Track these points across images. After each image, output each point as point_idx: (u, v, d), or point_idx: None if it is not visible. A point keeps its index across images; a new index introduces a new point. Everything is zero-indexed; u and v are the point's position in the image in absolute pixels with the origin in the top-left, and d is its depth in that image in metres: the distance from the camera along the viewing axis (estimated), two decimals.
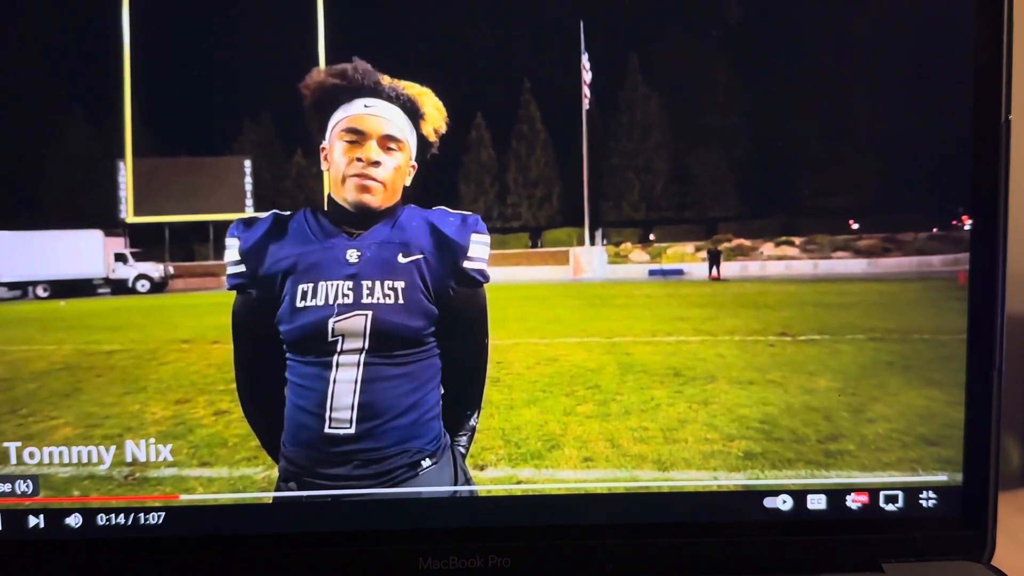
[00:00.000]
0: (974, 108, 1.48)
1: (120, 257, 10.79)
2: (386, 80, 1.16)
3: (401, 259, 1.11)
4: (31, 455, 1.55)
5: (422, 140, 1.20)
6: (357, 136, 1.10)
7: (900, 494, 1.52)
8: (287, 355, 1.16)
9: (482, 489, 1.23)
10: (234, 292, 1.19)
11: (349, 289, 1.08)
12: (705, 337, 5.36)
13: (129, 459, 1.66)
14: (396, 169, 1.13)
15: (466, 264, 1.17)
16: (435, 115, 1.20)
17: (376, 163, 1.09)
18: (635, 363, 4.41)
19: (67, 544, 1.42)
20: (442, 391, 1.24)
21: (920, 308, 7.72)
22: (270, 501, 1.84)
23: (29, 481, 1.52)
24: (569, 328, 6.43)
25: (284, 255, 1.09)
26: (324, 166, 1.20)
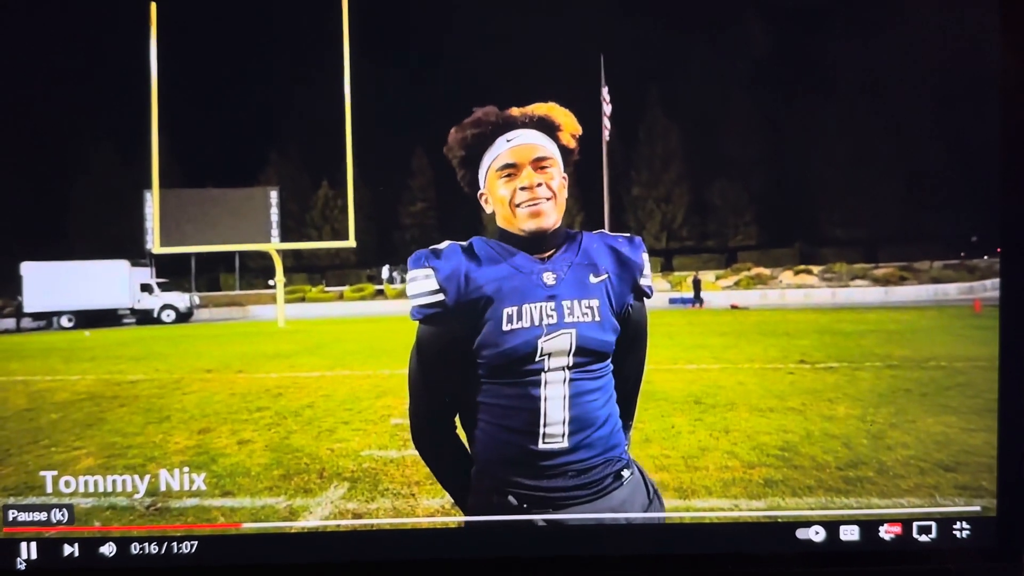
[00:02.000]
0: (1001, 139, 1.48)
1: (146, 287, 11.02)
2: (515, 111, 1.21)
3: (592, 279, 1.13)
4: (67, 484, 1.58)
5: (564, 150, 1.23)
6: (512, 169, 1.13)
7: (933, 525, 1.49)
8: (483, 379, 1.15)
9: (498, 519, 1.24)
10: (419, 323, 1.18)
11: (552, 310, 1.09)
12: (725, 365, 5.38)
13: (156, 489, 1.69)
14: (559, 187, 1.17)
15: (642, 281, 1.21)
16: (568, 121, 1.23)
17: (539, 185, 1.13)
18: (656, 391, 4.41)
19: (101, 573, 1.44)
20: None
21: (936, 336, 7.59)
22: (296, 531, 1.86)
23: (64, 510, 1.53)
24: None
25: (484, 281, 1.11)
26: (487, 208, 1.22)
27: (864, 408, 3.60)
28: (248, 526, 2.08)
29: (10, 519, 1.47)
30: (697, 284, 18.64)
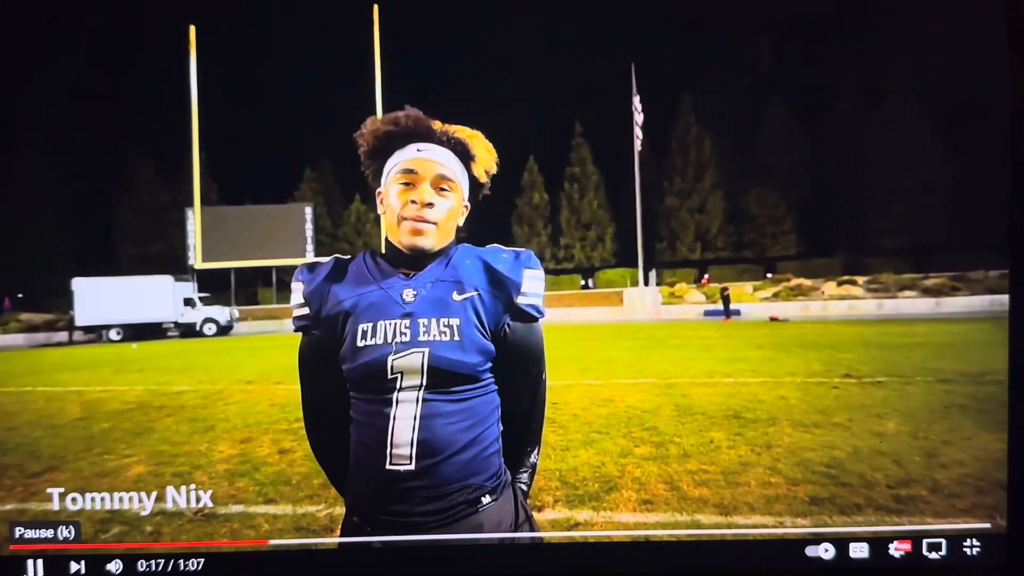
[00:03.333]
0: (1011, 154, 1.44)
1: (189, 302, 11.62)
2: (437, 125, 1.19)
3: (455, 297, 1.10)
4: (73, 500, 1.59)
5: (473, 181, 1.21)
6: (411, 177, 1.12)
7: (943, 542, 1.44)
8: (351, 393, 1.17)
9: (536, 535, 1.21)
10: (300, 334, 1.22)
11: (406, 328, 1.07)
12: (765, 379, 5.27)
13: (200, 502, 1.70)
14: (449, 211, 1.13)
15: (520, 300, 1.15)
16: (485, 156, 1.20)
17: (430, 204, 1.10)
18: (693, 405, 4.34)
19: None
20: (501, 427, 1.24)
21: (992, 349, 7.36)
22: (306, 548, 1.85)
23: (71, 527, 1.54)
24: (624, 369, 6.38)
25: (344, 296, 1.11)
26: (380, 210, 1.22)
27: (915, 424, 3.48)
28: (274, 543, 2.07)
29: (16, 536, 1.49)
30: (726, 298, 18.18)
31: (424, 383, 1.08)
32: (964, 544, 1.46)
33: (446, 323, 1.09)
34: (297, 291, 1.17)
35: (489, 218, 1.44)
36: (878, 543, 1.46)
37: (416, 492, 1.09)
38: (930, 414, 3.72)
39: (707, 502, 2.56)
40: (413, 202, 1.10)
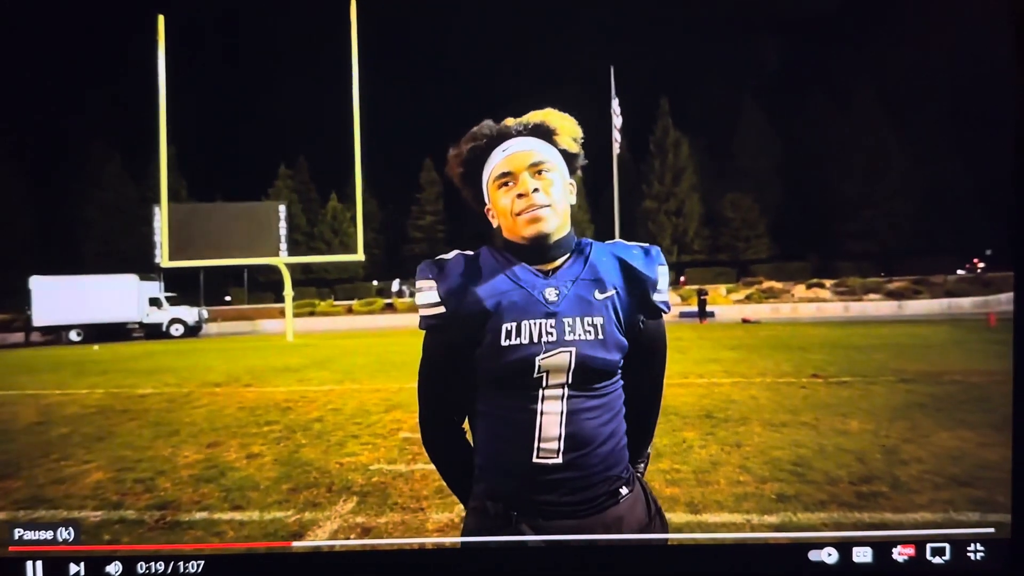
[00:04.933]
0: (1015, 151, 1.47)
1: (154, 301, 11.50)
2: (511, 121, 1.19)
3: (597, 296, 1.11)
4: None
5: (566, 154, 1.22)
6: (508, 178, 1.12)
7: (947, 547, 1.47)
8: (484, 389, 1.16)
9: (511, 540, 1.22)
10: (424, 331, 1.20)
11: (552, 327, 1.07)
12: (737, 379, 5.37)
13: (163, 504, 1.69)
14: (556, 190, 1.14)
15: (655, 297, 1.17)
16: (566, 125, 1.19)
17: (535, 190, 1.11)
18: (667, 405, 4.36)
19: None
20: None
21: (951, 350, 7.58)
22: (306, 550, 1.86)
23: (71, 528, 1.53)
24: None
25: (484, 295, 1.10)
26: (494, 223, 1.22)
27: (878, 423, 3.57)
28: (298, 545, 2.07)
29: (16, 538, 1.47)
30: (703, 300, 18.34)
31: (569, 381, 1.09)
32: (968, 549, 1.49)
33: (591, 322, 1.09)
34: (430, 290, 1.13)
35: (469, 219, 1.45)
36: (881, 548, 1.48)
37: (563, 483, 1.10)
38: (892, 413, 3.82)
39: (678, 501, 2.60)
40: (520, 196, 1.10)
